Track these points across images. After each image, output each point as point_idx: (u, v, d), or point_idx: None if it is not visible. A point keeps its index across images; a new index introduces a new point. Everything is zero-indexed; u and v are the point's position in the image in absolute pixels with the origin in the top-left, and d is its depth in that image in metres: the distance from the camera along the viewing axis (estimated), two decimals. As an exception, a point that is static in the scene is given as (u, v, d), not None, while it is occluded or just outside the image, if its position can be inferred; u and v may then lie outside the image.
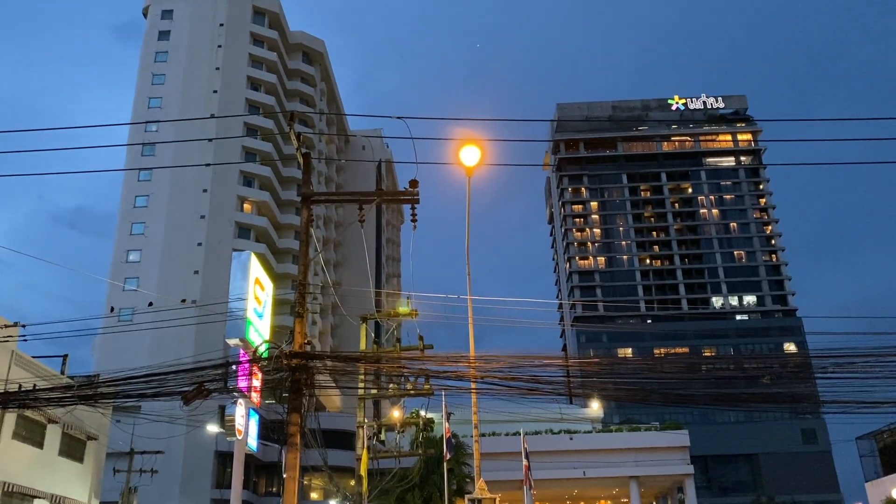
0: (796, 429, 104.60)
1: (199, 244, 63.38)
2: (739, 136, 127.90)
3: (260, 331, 13.99)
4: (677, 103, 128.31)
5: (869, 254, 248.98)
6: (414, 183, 14.20)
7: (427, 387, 23.11)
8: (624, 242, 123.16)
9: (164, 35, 72.14)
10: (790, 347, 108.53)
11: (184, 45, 71.44)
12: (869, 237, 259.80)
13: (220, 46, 71.56)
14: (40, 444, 27.14)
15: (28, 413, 24.92)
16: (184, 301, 56.15)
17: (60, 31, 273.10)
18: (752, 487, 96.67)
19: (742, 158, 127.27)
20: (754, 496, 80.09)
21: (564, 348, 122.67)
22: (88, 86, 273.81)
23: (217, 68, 70.52)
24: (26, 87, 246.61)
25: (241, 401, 13.13)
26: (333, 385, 15.19)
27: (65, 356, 29.20)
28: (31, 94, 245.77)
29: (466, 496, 19.06)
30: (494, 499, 20.18)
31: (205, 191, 65.26)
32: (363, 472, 23.98)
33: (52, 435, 27.81)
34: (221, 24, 72.52)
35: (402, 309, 24.79)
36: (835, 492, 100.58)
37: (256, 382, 13.10)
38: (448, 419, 27.65)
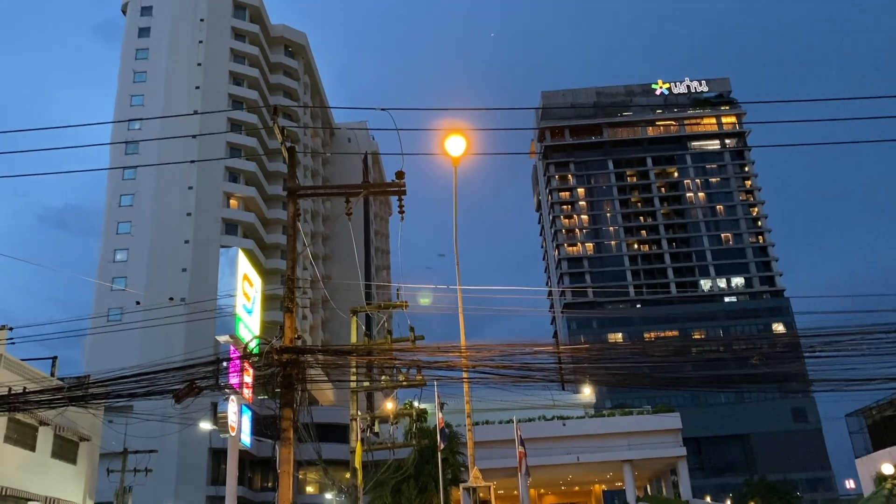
0: (786, 408, 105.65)
1: (187, 242, 63.05)
2: (724, 119, 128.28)
3: (250, 327, 13.95)
4: (661, 88, 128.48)
5: (854, 232, 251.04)
6: (400, 174, 14.17)
7: (419, 377, 23.13)
8: (611, 228, 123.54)
9: (143, 32, 71.48)
10: (779, 328, 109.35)
11: (164, 42, 70.81)
12: (853, 215, 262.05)
13: (200, 42, 70.98)
14: (32, 447, 27.00)
15: (19, 416, 24.80)
16: (172, 299, 56.00)
17: (40, 31, 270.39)
18: (745, 467, 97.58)
19: (727, 141, 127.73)
20: (747, 476, 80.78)
21: (555, 335, 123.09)
22: (70, 85, 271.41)
23: (199, 64, 69.98)
24: (6, 87, 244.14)
25: (233, 397, 13.07)
26: (325, 379, 15.19)
27: (54, 358, 29.05)
28: (11, 93, 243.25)
29: (461, 485, 19.14)
30: (489, 487, 20.28)
31: (190, 188, 64.89)
32: (358, 464, 24.00)
33: (45, 437, 27.67)
34: (202, 20, 71.90)
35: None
36: (826, 469, 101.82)
37: (248, 378, 13.05)
38: (441, 409, 27.70)
